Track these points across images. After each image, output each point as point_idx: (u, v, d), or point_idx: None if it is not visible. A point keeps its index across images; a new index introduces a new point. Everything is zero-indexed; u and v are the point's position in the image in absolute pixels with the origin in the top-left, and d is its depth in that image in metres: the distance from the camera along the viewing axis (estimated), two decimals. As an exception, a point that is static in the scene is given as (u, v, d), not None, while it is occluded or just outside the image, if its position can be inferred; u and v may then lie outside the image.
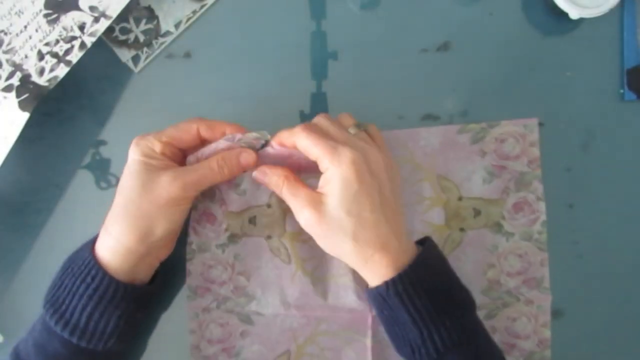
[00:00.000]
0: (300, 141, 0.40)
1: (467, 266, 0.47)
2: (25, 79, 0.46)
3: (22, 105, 0.46)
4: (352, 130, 0.42)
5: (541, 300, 0.47)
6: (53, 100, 0.50)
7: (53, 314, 0.41)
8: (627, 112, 0.49)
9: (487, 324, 0.43)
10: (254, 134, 0.43)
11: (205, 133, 0.43)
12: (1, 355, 0.50)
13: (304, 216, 0.40)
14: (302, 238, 0.47)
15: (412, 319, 0.38)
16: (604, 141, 0.49)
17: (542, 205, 0.48)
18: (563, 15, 0.47)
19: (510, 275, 0.48)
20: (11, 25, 0.47)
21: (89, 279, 0.40)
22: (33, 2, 0.47)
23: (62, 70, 0.46)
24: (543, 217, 0.48)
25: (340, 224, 0.38)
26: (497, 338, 0.45)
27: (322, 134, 0.40)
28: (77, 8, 0.47)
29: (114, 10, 0.47)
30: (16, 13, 0.47)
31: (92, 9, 0.47)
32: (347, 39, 0.50)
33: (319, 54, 0.50)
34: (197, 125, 0.43)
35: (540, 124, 0.49)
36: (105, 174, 0.51)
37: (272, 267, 0.48)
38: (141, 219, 0.40)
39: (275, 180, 0.42)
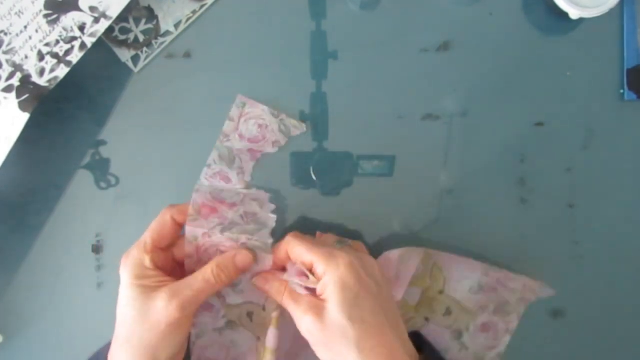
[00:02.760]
0: (293, 249, 0.39)
1: None
2: (26, 80, 0.46)
3: (23, 106, 0.46)
4: (337, 245, 0.42)
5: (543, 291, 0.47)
6: (53, 100, 0.50)
7: None
8: (627, 112, 0.49)
9: None
10: (295, 121, 0.45)
11: (179, 218, 0.42)
12: (1, 355, 0.50)
13: (306, 323, 0.37)
14: (277, 356, 0.44)
15: None
16: (604, 141, 0.49)
17: (506, 338, 0.47)
18: (563, 15, 0.47)
19: None
20: (11, 25, 0.47)
21: None
22: (33, 3, 0.47)
23: (62, 71, 0.46)
24: (501, 349, 0.48)
25: (342, 331, 0.36)
26: None
27: (312, 242, 0.40)
28: (77, 8, 0.47)
29: (114, 11, 0.47)
30: (16, 13, 0.47)
31: (93, 9, 0.47)
32: (347, 39, 0.50)
33: (319, 54, 0.50)
34: (170, 214, 0.42)
35: (540, 124, 0.49)
36: (105, 174, 0.51)
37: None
38: (144, 350, 0.38)
39: (277, 287, 0.40)
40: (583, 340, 0.49)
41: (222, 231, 0.42)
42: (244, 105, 0.49)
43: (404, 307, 0.47)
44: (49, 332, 0.50)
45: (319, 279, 0.38)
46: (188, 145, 0.50)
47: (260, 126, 0.49)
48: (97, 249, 0.50)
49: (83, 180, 0.51)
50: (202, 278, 0.39)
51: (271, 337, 0.43)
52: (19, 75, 0.46)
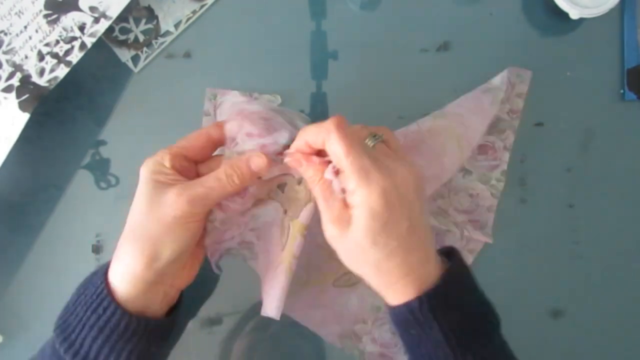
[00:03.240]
0: (331, 144, 0.36)
1: None
2: (26, 80, 0.46)
3: (22, 106, 0.46)
4: (369, 142, 0.38)
5: (482, 239, 0.48)
6: (53, 100, 0.50)
7: (63, 342, 0.38)
8: (627, 112, 0.49)
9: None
10: (267, 96, 0.42)
11: (214, 132, 0.41)
12: (1, 356, 0.50)
13: (329, 231, 0.37)
14: (306, 234, 0.43)
15: (446, 338, 0.35)
16: (604, 141, 0.49)
17: (506, 156, 0.48)
18: (563, 15, 0.47)
19: (457, 211, 0.48)
20: (11, 25, 0.47)
21: (100, 310, 0.38)
22: (33, 3, 0.47)
23: (62, 71, 0.46)
24: (504, 167, 0.48)
25: (363, 251, 0.36)
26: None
27: (356, 142, 0.36)
28: (77, 9, 0.47)
29: (114, 11, 0.47)
30: (16, 13, 0.47)
31: (92, 9, 0.47)
32: (347, 39, 0.50)
33: (319, 54, 0.50)
34: (206, 130, 0.41)
35: (540, 124, 0.49)
36: (105, 174, 0.51)
37: (273, 244, 0.44)
38: (147, 241, 0.38)
39: (312, 173, 0.38)
40: (583, 340, 0.49)
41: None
42: (215, 96, 0.49)
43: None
44: (49, 332, 0.50)
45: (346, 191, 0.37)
46: (188, 145, 0.50)
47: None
48: (97, 249, 0.50)
49: (83, 180, 0.51)
50: (215, 177, 0.38)
51: (306, 213, 0.41)
52: (19, 75, 0.46)
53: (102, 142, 0.51)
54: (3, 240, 0.51)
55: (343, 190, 0.37)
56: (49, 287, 0.50)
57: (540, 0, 0.50)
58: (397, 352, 0.48)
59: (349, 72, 0.50)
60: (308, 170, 0.38)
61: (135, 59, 0.51)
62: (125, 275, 0.38)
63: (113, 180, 0.51)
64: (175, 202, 0.37)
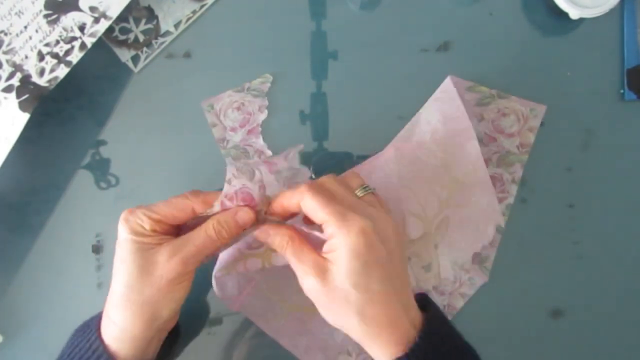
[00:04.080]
0: (306, 203, 0.37)
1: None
2: (26, 80, 0.46)
3: (22, 106, 0.46)
4: (359, 192, 0.39)
5: (477, 276, 0.47)
6: (53, 100, 0.50)
7: None
8: (627, 112, 0.49)
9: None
10: (259, 79, 0.43)
11: (200, 209, 0.40)
12: (1, 356, 0.50)
13: (308, 283, 0.37)
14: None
15: None
16: (604, 141, 0.49)
17: (514, 189, 0.47)
18: (563, 15, 0.47)
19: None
20: (11, 25, 0.47)
21: None
22: (33, 3, 0.47)
23: (62, 71, 0.46)
24: (511, 200, 0.47)
25: (346, 296, 0.35)
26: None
27: (329, 197, 0.37)
28: (77, 9, 0.47)
29: (114, 11, 0.47)
30: (16, 13, 0.47)
31: (93, 9, 0.47)
32: (347, 39, 0.50)
33: (319, 54, 0.50)
34: (192, 204, 0.40)
35: (541, 124, 0.49)
36: (105, 174, 0.51)
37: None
38: (145, 305, 0.38)
39: (279, 241, 0.39)
40: (583, 340, 0.49)
41: None
42: (212, 106, 0.50)
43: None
44: (49, 332, 0.50)
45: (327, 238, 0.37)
46: (188, 145, 0.50)
47: (237, 108, 0.49)
48: (97, 249, 0.50)
49: (83, 180, 0.51)
50: (204, 233, 0.39)
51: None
52: (19, 75, 0.46)
53: (102, 142, 0.51)
54: (3, 240, 0.51)
55: (319, 245, 0.37)
56: (49, 287, 0.50)
57: (540, 0, 0.50)
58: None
59: (349, 72, 0.50)
60: (276, 238, 0.39)
61: (135, 59, 0.51)
62: (123, 338, 0.38)
63: (113, 180, 0.51)
64: (169, 264, 0.37)
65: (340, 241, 0.35)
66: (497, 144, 0.48)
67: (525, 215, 0.49)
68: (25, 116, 0.46)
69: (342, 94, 0.50)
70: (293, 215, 0.40)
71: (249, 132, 0.49)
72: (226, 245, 0.41)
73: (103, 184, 0.51)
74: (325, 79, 0.50)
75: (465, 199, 0.46)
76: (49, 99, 0.47)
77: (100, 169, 0.51)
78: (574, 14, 0.46)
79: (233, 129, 0.49)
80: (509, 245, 0.49)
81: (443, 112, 0.47)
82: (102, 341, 0.38)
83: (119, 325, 0.38)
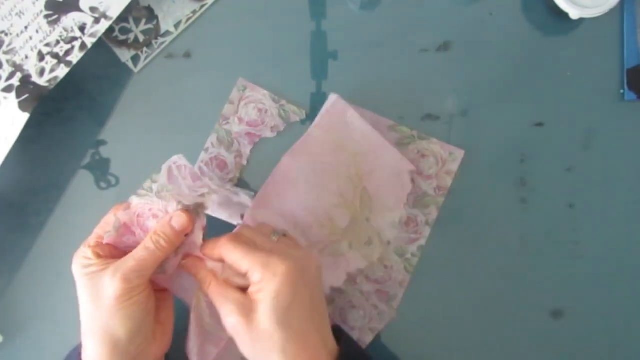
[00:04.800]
0: (228, 254, 0.38)
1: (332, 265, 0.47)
2: (26, 80, 0.46)
3: (22, 106, 0.46)
4: (273, 237, 0.41)
5: (385, 313, 0.48)
6: (53, 100, 0.50)
7: None
8: (627, 112, 0.49)
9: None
10: (293, 107, 0.46)
11: (123, 217, 0.41)
12: (1, 356, 0.50)
13: (231, 322, 0.37)
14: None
15: None
16: (604, 141, 0.49)
17: (427, 231, 0.48)
18: (563, 15, 0.47)
19: (367, 280, 0.48)
20: (12, 26, 0.47)
21: None
22: (34, 3, 0.47)
23: (62, 71, 0.46)
24: (423, 242, 0.48)
25: (270, 336, 0.36)
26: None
27: (249, 245, 0.39)
28: (78, 9, 0.47)
29: (115, 11, 0.47)
30: (17, 14, 0.47)
31: (93, 9, 0.47)
32: (347, 39, 0.50)
33: (319, 54, 0.50)
34: (114, 213, 0.41)
35: (540, 124, 0.49)
36: (105, 174, 0.51)
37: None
38: (101, 331, 0.38)
39: (203, 275, 0.40)
40: (583, 340, 0.49)
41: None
42: (245, 88, 0.50)
43: (333, 230, 0.47)
44: (48, 332, 0.50)
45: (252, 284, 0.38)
46: (188, 145, 0.50)
47: (259, 110, 0.49)
48: (97, 249, 0.50)
49: (83, 180, 0.51)
50: (143, 247, 0.39)
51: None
52: (19, 75, 0.46)
53: (102, 142, 0.51)
54: (3, 240, 0.51)
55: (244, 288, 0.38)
56: (49, 287, 0.50)
57: (540, 0, 0.50)
58: (393, 285, 0.49)
59: (349, 72, 0.50)
60: (201, 272, 0.40)
61: (135, 59, 0.51)
62: None
63: (113, 180, 0.51)
64: (112, 283, 0.38)
65: (266, 284, 0.36)
66: (414, 184, 0.48)
67: (525, 215, 0.49)
68: (25, 116, 0.46)
69: (342, 94, 0.50)
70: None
71: (248, 134, 0.49)
72: (175, 255, 0.41)
73: (103, 184, 0.51)
74: (325, 79, 0.50)
75: (370, 164, 0.47)
76: (48, 99, 0.47)
77: (100, 169, 0.51)
78: (574, 14, 0.46)
79: (240, 120, 0.49)
80: (509, 245, 0.49)
81: (329, 123, 0.48)
82: None
83: (90, 356, 0.39)
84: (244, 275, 0.38)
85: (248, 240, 0.39)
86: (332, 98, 0.48)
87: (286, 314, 0.36)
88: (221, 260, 0.40)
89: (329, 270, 0.46)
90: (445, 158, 0.49)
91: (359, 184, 0.47)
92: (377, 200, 0.47)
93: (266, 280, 0.37)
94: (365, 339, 0.48)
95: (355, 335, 0.48)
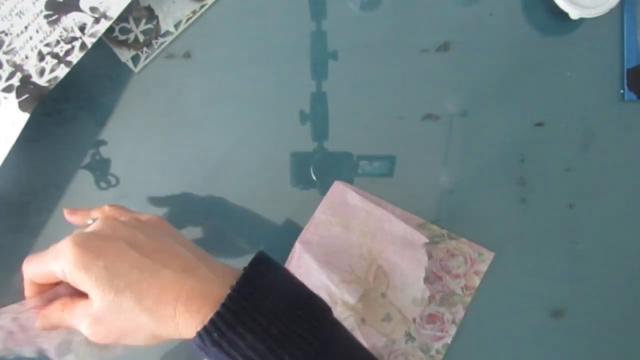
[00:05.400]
0: (29, 271, 0.35)
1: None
2: (26, 80, 0.46)
3: (22, 106, 0.46)
4: (89, 222, 0.39)
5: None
6: (53, 100, 0.50)
7: None
8: (627, 112, 0.49)
9: None
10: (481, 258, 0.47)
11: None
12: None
13: (85, 325, 0.33)
14: None
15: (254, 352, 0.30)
16: (604, 141, 0.49)
17: (453, 329, 0.48)
18: (563, 15, 0.47)
19: None
20: (12, 26, 0.47)
21: None
22: (34, 3, 0.47)
23: (62, 71, 0.46)
24: (448, 341, 0.48)
25: (118, 305, 0.32)
26: None
27: (37, 254, 0.35)
28: (78, 9, 0.47)
29: (115, 11, 0.47)
30: (17, 14, 0.47)
31: (93, 9, 0.47)
32: (347, 39, 0.50)
33: (319, 54, 0.50)
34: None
35: (540, 124, 0.49)
36: (105, 174, 0.51)
37: None
38: None
39: (56, 315, 0.35)
40: (583, 340, 0.49)
41: None
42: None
43: (343, 305, 0.46)
44: (49, 332, 0.50)
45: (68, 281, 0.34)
46: (188, 145, 0.50)
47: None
48: (97, 249, 0.50)
49: (83, 180, 0.51)
50: None
51: None
52: (19, 75, 0.46)
53: (102, 142, 0.51)
54: (3, 240, 0.51)
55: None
56: (49, 287, 0.50)
57: (540, 0, 0.50)
58: None
59: (349, 72, 0.50)
60: (53, 315, 0.36)
61: (135, 59, 0.51)
62: None
63: (113, 180, 0.51)
64: None
65: (68, 270, 0.33)
66: (442, 282, 0.48)
67: (525, 215, 0.49)
68: (25, 116, 0.46)
69: (342, 94, 0.50)
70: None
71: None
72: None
73: (103, 184, 0.51)
74: (325, 79, 0.50)
75: (381, 240, 0.47)
76: (49, 99, 0.47)
77: (100, 169, 0.51)
78: (574, 14, 0.46)
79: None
80: (509, 245, 0.49)
81: (332, 206, 0.48)
82: None
83: None
84: (55, 278, 0.35)
85: (41, 255, 0.36)
86: (334, 184, 0.49)
87: (111, 276, 0.32)
88: (59, 310, 0.36)
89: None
90: (474, 258, 0.49)
91: (373, 262, 0.47)
92: (394, 276, 0.47)
93: (63, 266, 0.33)
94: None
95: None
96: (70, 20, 0.47)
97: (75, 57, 0.47)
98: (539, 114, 0.49)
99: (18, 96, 0.46)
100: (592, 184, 0.49)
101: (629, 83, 0.49)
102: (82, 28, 0.47)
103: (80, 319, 0.34)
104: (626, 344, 0.49)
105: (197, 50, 0.51)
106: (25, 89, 0.46)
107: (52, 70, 0.47)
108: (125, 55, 0.50)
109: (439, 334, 0.48)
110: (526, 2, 0.50)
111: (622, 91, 0.49)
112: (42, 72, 0.47)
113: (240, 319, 0.30)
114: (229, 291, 0.31)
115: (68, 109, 0.51)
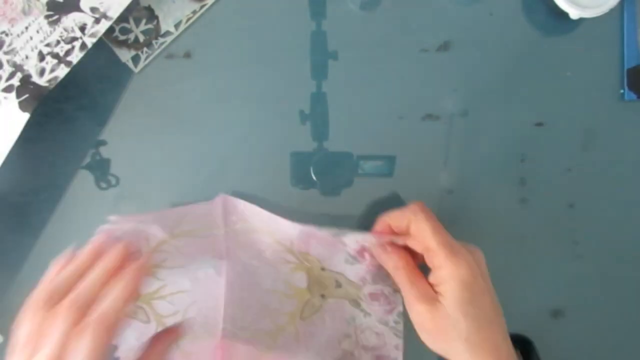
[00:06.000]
0: (420, 224, 0.39)
1: (323, 333, 0.47)
2: (26, 80, 0.47)
3: (23, 106, 0.46)
4: None
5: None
6: (53, 100, 0.50)
7: None
8: (627, 112, 0.49)
9: None
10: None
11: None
12: (1, 356, 0.50)
13: (417, 309, 0.39)
14: (159, 295, 0.44)
15: None
16: (604, 141, 0.49)
17: (398, 297, 0.47)
18: (563, 15, 0.47)
19: (365, 349, 0.47)
20: (12, 26, 0.47)
21: None
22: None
23: (62, 71, 0.46)
24: (400, 308, 0.47)
25: (454, 324, 0.37)
26: None
27: (440, 224, 0.39)
28: (78, 9, 0.47)
29: (115, 11, 0.47)
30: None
31: (93, 10, 0.47)
32: (347, 39, 0.50)
33: (319, 54, 0.50)
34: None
35: (540, 124, 0.49)
36: (105, 174, 0.51)
37: (131, 331, 0.44)
38: None
39: (395, 260, 0.41)
40: (583, 340, 0.49)
41: None
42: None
43: (298, 293, 0.47)
44: (49, 332, 0.50)
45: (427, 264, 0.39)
46: (188, 145, 0.50)
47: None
48: (97, 249, 0.50)
49: (83, 180, 0.51)
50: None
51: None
52: (19, 75, 0.47)
53: (102, 142, 0.51)
54: (3, 240, 0.51)
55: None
56: (49, 287, 0.50)
57: (540, 0, 0.50)
58: (390, 349, 0.48)
59: (349, 72, 0.50)
60: (393, 257, 0.41)
61: (135, 59, 0.51)
62: None
63: (113, 180, 0.51)
64: None
65: (451, 272, 0.37)
66: (365, 263, 0.47)
67: (525, 215, 0.49)
68: (25, 116, 0.46)
69: (342, 94, 0.50)
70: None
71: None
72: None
73: (103, 184, 0.51)
74: (325, 79, 0.50)
75: (285, 235, 0.47)
76: (49, 99, 0.47)
77: (100, 169, 0.51)
78: (574, 14, 0.46)
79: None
80: (509, 245, 0.49)
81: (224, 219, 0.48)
82: None
83: None
84: (420, 252, 0.39)
85: (437, 221, 0.40)
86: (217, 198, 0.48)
87: (471, 304, 0.37)
88: (402, 232, 0.40)
89: (320, 337, 0.46)
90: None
91: (295, 250, 0.48)
92: (317, 253, 0.47)
93: (449, 269, 0.37)
94: None
95: None
96: (71, 20, 0.47)
97: (76, 57, 0.47)
98: (539, 114, 0.49)
99: (18, 96, 0.46)
100: (592, 184, 0.49)
101: (629, 83, 0.49)
102: (82, 28, 0.47)
103: (417, 299, 0.38)
104: (626, 343, 0.49)
105: (197, 50, 0.51)
106: (26, 89, 0.46)
107: (52, 70, 0.47)
108: (125, 55, 0.50)
109: (387, 307, 0.47)
110: (526, 2, 0.50)
111: (622, 91, 0.49)
112: (42, 72, 0.47)
113: None
114: None
115: (68, 109, 0.51)
